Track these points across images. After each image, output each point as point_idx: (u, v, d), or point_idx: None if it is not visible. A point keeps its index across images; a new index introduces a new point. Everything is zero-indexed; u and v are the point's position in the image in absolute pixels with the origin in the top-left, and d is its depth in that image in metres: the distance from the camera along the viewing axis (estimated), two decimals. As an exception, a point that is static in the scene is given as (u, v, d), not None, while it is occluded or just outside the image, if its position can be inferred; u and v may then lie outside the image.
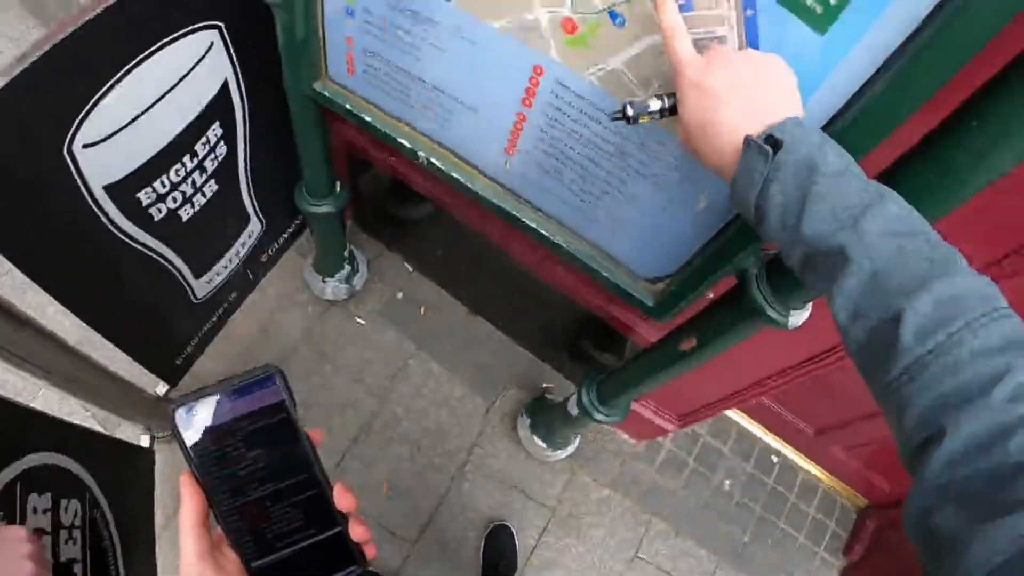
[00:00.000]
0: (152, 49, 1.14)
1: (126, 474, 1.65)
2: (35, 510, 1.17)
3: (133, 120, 1.19)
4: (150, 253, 1.49)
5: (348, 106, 1.33)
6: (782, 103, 0.73)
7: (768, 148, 0.69)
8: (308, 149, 1.62)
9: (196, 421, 0.62)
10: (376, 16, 1.11)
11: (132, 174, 1.27)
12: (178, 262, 1.61)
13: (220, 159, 1.51)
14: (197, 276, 1.74)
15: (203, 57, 1.27)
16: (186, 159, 1.39)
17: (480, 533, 2.23)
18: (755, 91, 0.73)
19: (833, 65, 0.75)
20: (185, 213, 1.50)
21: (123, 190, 1.28)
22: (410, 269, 2.53)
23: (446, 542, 2.20)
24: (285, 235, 2.12)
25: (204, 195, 1.53)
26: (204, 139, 1.41)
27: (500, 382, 2.44)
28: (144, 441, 1.97)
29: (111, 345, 1.56)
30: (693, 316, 1.26)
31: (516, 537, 2.23)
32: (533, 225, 1.25)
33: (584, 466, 2.41)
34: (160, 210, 1.41)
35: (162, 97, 1.23)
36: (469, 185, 1.27)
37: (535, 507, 2.32)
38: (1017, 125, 0.66)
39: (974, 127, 0.69)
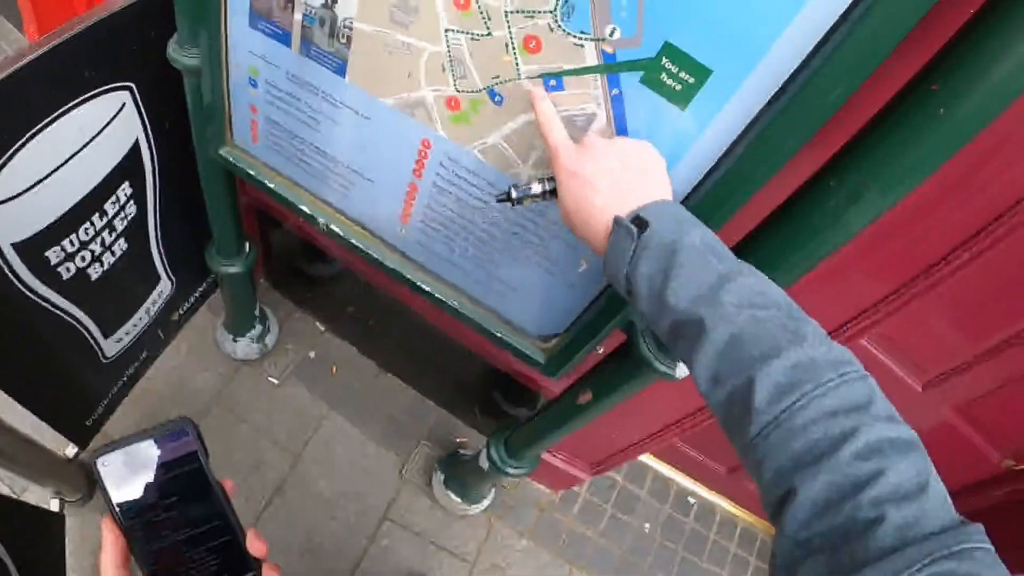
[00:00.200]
0: (64, 108, 1.18)
1: (36, 539, 1.62)
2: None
3: (43, 179, 1.22)
4: (58, 312, 1.49)
5: (252, 172, 1.37)
6: (650, 187, 0.80)
7: (634, 228, 0.75)
8: (217, 210, 1.66)
9: (116, 469, 0.66)
10: (278, 88, 1.18)
11: (41, 232, 1.29)
12: (87, 321, 1.62)
13: (130, 218, 1.54)
14: (106, 335, 1.75)
15: (114, 117, 1.31)
16: (95, 218, 1.42)
17: (401, 590, 2.24)
18: (624, 177, 0.80)
19: (695, 137, 0.82)
20: (94, 272, 1.52)
21: (31, 248, 1.29)
22: (321, 328, 2.58)
23: (366, 601, 2.21)
24: (196, 294, 2.14)
25: (113, 254, 1.55)
26: (114, 198, 1.44)
27: (413, 438, 2.48)
28: (54, 505, 1.93)
29: (17, 406, 1.54)
30: (588, 371, 1.34)
31: (437, 593, 2.24)
32: (428, 289, 1.30)
33: (502, 518, 2.45)
34: (69, 269, 1.42)
35: (73, 156, 1.26)
36: (368, 251, 1.32)
37: (455, 562, 2.34)
38: (869, 186, 0.73)
39: (831, 187, 0.77)
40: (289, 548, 2.16)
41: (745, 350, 0.66)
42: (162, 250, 1.77)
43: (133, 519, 0.66)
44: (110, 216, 1.46)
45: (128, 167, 1.44)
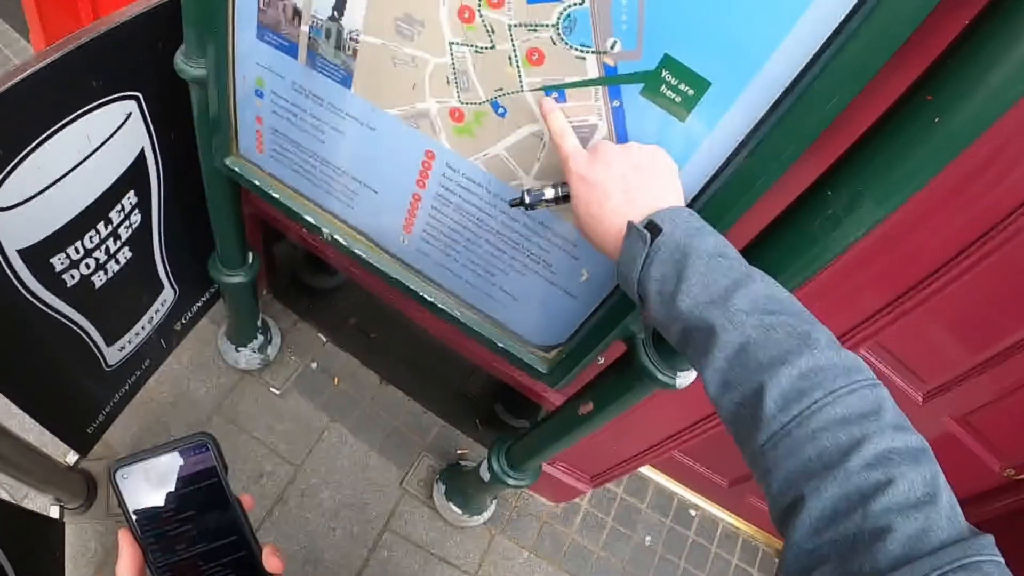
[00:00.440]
0: (72, 116, 1.20)
1: (35, 545, 1.63)
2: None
3: (50, 185, 1.24)
4: (62, 319, 1.51)
5: (257, 182, 1.39)
6: (662, 192, 0.81)
7: (647, 233, 0.76)
8: (221, 220, 1.68)
9: (134, 482, 0.67)
10: (284, 99, 1.20)
11: (47, 239, 1.31)
12: (90, 329, 1.64)
13: (134, 227, 1.56)
14: (109, 343, 1.76)
15: (121, 126, 1.34)
16: (100, 226, 1.44)
17: (401, 602, 2.25)
18: (636, 182, 0.81)
19: (695, 147, 0.84)
20: (98, 280, 1.54)
21: (37, 255, 1.31)
22: (323, 340, 2.60)
23: (367, 613, 2.22)
24: (199, 304, 2.17)
25: (118, 262, 1.57)
26: (119, 207, 1.46)
27: (415, 450, 2.50)
28: (54, 512, 1.94)
29: (19, 412, 1.56)
30: (589, 381, 1.35)
31: (438, 605, 2.25)
32: (431, 299, 1.32)
33: (503, 530, 2.47)
34: (73, 276, 1.44)
35: (79, 164, 1.28)
36: (371, 261, 1.34)
37: (456, 573, 2.35)
38: (866, 195, 0.75)
39: (829, 196, 0.78)
40: (290, 558, 2.18)
41: (755, 356, 0.67)
42: (166, 259, 1.79)
43: (150, 531, 0.67)
44: (115, 224, 1.48)
45: (134, 176, 1.46)
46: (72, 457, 2.03)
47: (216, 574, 0.69)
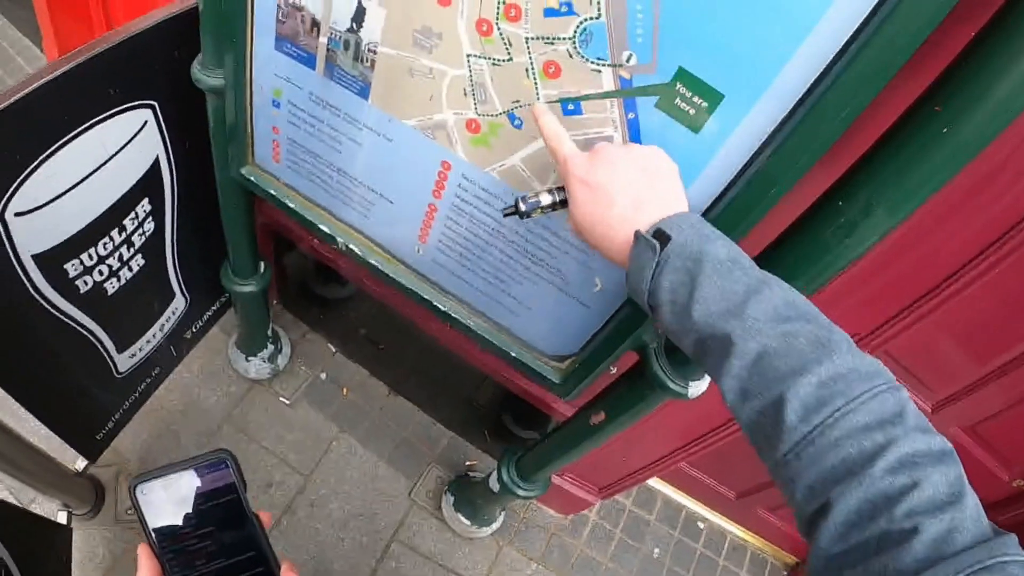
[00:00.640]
0: (89, 123, 1.23)
1: (42, 549, 1.65)
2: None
3: (65, 192, 1.26)
4: (74, 325, 1.53)
5: (272, 191, 1.41)
6: (666, 195, 0.80)
7: (656, 242, 0.75)
8: (234, 229, 1.71)
9: (153, 498, 0.69)
10: (301, 109, 1.22)
11: (61, 244, 1.33)
12: (102, 335, 1.66)
13: (147, 235, 1.59)
14: (120, 350, 1.79)
15: (136, 134, 1.36)
16: (114, 233, 1.46)
17: (409, 614, 2.26)
18: (639, 185, 0.79)
19: (708, 158, 0.85)
20: (111, 286, 1.56)
21: (51, 260, 1.34)
22: (333, 350, 2.63)
23: (375, 623, 2.23)
24: (209, 312, 2.19)
25: (130, 269, 1.59)
26: (133, 214, 1.49)
27: (423, 461, 2.52)
28: (62, 517, 1.95)
29: (28, 416, 1.57)
30: (601, 391, 1.36)
31: (446, 616, 2.26)
32: (444, 309, 1.33)
33: (511, 542, 2.48)
34: (86, 282, 1.47)
35: (95, 170, 1.30)
36: (385, 271, 1.36)
37: (464, 585, 2.37)
38: (877, 204, 0.76)
39: (841, 205, 0.79)
40: (299, 568, 2.17)
41: (774, 365, 0.66)
42: (178, 267, 1.82)
43: (169, 547, 0.69)
44: (129, 232, 1.51)
45: (148, 184, 1.49)
46: (81, 463, 2.05)
47: None
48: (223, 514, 0.70)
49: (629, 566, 2.60)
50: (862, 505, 0.58)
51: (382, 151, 1.17)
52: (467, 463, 2.55)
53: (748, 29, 0.73)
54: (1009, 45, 0.63)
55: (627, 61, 0.82)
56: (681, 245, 0.74)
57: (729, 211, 0.87)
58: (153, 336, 1.92)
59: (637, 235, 0.77)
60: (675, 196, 0.81)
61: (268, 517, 0.73)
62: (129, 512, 2.04)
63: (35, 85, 1.09)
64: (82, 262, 1.42)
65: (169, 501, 0.69)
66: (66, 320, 1.50)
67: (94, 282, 1.50)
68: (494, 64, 0.92)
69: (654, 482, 2.73)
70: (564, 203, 0.88)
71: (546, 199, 0.89)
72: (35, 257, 1.30)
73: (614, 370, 1.24)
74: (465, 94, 0.97)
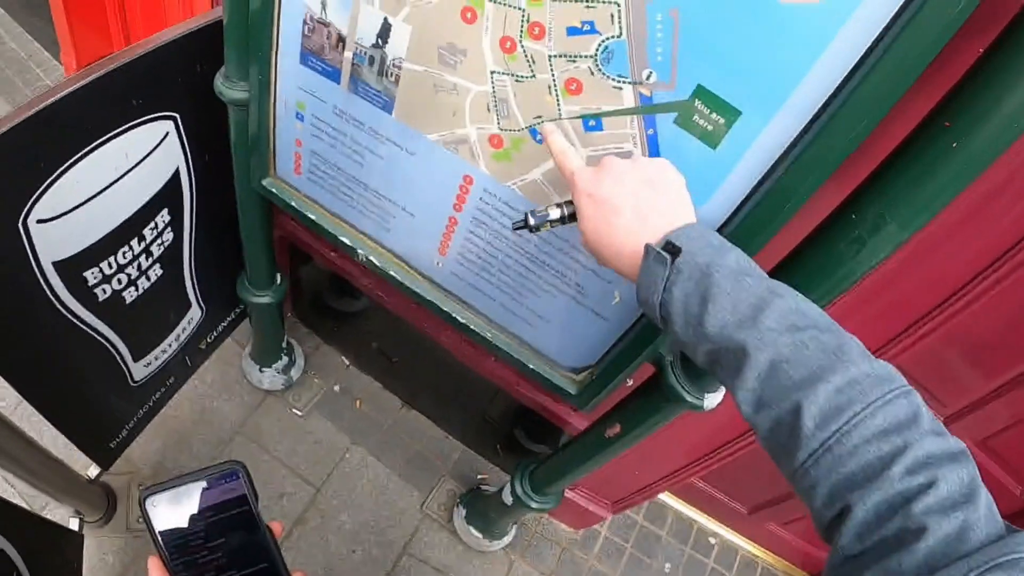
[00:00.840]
0: (112, 133, 1.26)
1: (54, 556, 1.66)
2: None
3: (88, 200, 1.29)
4: (92, 332, 1.56)
5: (293, 203, 1.44)
6: (674, 207, 0.81)
7: (666, 255, 0.76)
8: (252, 241, 1.74)
9: (164, 509, 0.69)
10: (324, 123, 1.26)
11: (82, 252, 1.36)
12: (118, 343, 1.69)
13: (166, 245, 1.62)
14: (136, 359, 1.81)
15: (158, 145, 1.40)
16: (134, 242, 1.49)
17: (420, 626, 2.27)
18: (646, 197, 0.81)
19: (726, 174, 0.88)
20: (129, 295, 1.59)
21: (71, 267, 1.36)
22: (346, 363, 2.66)
23: (385, 636, 2.24)
24: (224, 323, 2.22)
25: (148, 279, 1.62)
26: (152, 224, 1.52)
27: (435, 474, 2.54)
28: (73, 524, 1.98)
29: (42, 423, 1.59)
30: (616, 404, 1.37)
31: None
32: (463, 321, 1.36)
33: (523, 555, 2.49)
34: (105, 290, 1.50)
35: (117, 180, 1.33)
36: (404, 283, 1.38)
37: (475, 598, 2.38)
38: (889, 218, 0.78)
39: (853, 219, 0.81)
40: (308, 580, 2.20)
41: (789, 375, 0.67)
42: (195, 278, 1.85)
43: (179, 559, 0.70)
44: (148, 241, 1.54)
45: (168, 195, 1.52)
46: (93, 470, 2.07)
47: None
48: (234, 525, 0.71)
49: (640, 581, 2.62)
50: (880, 506, 0.59)
51: (404, 164, 1.20)
52: (479, 476, 2.58)
53: (765, 47, 0.76)
54: (1017, 61, 0.66)
55: (647, 79, 0.85)
56: (692, 256, 0.75)
57: (745, 225, 0.90)
58: (169, 346, 1.94)
59: (647, 248, 0.78)
60: (682, 207, 0.83)
61: (279, 527, 0.74)
62: (140, 521, 2.06)
63: (60, 94, 1.12)
64: (101, 270, 1.45)
65: (179, 512, 0.69)
66: (84, 327, 1.52)
67: (113, 290, 1.52)
68: (517, 80, 0.95)
69: (665, 497, 2.75)
70: (573, 217, 0.89)
71: (555, 213, 0.91)
72: (56, 264, 1.33)
73: (630, 382, 1.25)
74: (488, 109, 1.00)
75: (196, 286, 1.89)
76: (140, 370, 1.88)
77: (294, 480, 2.36)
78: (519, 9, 0.88)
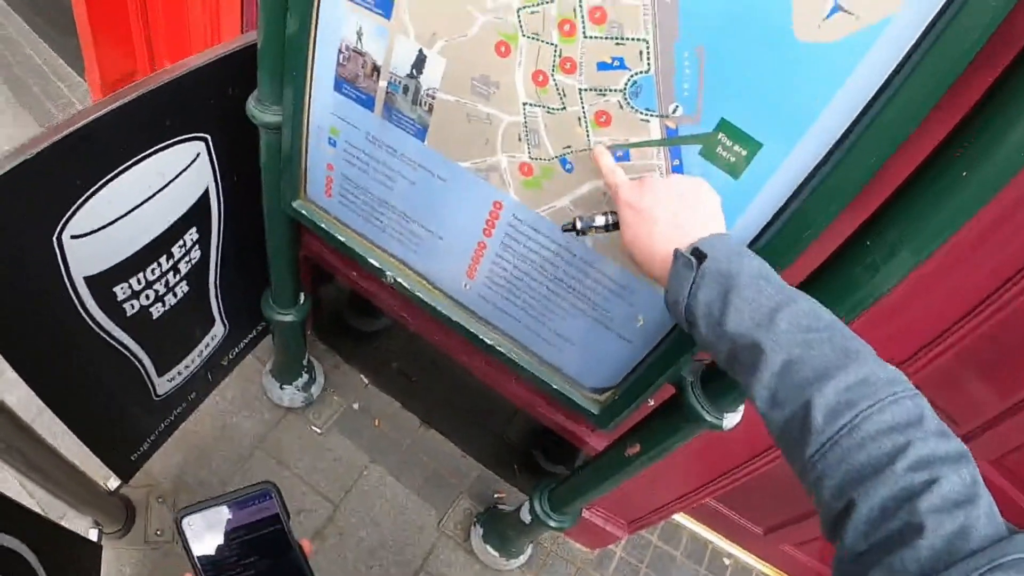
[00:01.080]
0: (146, 152, 1.31)
1: (73, 564, 1.69)
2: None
3: (120, 217, 1.34)
4: (118, 346, 1.60)
5: (323, 225, 1.49)
6: (707, 220, 0.88)
7: (693, 259, 0.82)
8: (278, 260, 1.79)
9: (199, 529, 0.74)
10: (357, 148, 1.30)
11: (112, 268, 1.41)
12: (144, 358, 1.73)
13: (193, 262, 1.67)
14: (160, 374, 1.85)
15: (189, 165, 1.45)
16: (163, 259, 1.54)
17: (436, 645, 2.30)
18: (681, 210, 0.88)
19: (747, 203, 0.93)
20: (156, 311, 1.63)
21: (102, 282, 1.41)
22: (366, 381, 2.70)
23: (402, 654, 2.27)
24: (246, 340, 2.26)
25: (175, 295, 1.67)
26: (181, 242, 1.57)
27: (453, 492, 2.57)
28: (92, 534, 2.00)
29: (64, 433, 1.61)
30: (636, 423, 1.41)
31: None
32: (489, 342, 1.40)
33: (538, 574, 2.51)
34: (133, 306, 1.54)
35: (149, 198, 1.38)
36: (432, 304, 1.43)
37: (492, 617, 2.41)
38: (902, 245, 0.83)
39: (868, 245, 0.86)
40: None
41: (801, 373, 0.71)
42: (219, 295, 1.90)
43: None
44: (176, 259, 1.59)
45: (197, 214, 1.57)
46: (113, 482, 2.10)
47: None
48: (267, 544, 0.75)
49: (655, 602, 2.64)
50: (885, 501, 0.62)
51: (435, 190, 1.24)
52: (496, 495, 2.60)
53: (785, 83, 0.81)
54: (1021, 93, 0.70)
55: (673, 112, 0.90)
56: (716, 262, 0.81)
57: (765, 253, 0.92)
58: (192, 361, 1.99)
59: (676, 253, 0.85)
60: (714, 220, 0.89)
61: (309, 545, 0.78)
62: (159, 533, 2.10)
63: (98, 114, 1.17)
64: (131, 286, 1.49)
65: (214, 532, 0.74)
66: (111, 341, 1.57)
67: (141, 306, 1.57)
68: (548, 112, 1.00)
69: (680, 517, 2.76)
70: (615, 225, 0.97)
71: (600, 220, 0.98)
72: (87, 279, 1.37)
73: (652, 402, 1.28)
74: (519, 139, 1.05)
75: (220, 303, 1.93)
76: (164, 384, 1.92)
77: (313, 497, 2.39)
78: (552, 45, 0.93)
